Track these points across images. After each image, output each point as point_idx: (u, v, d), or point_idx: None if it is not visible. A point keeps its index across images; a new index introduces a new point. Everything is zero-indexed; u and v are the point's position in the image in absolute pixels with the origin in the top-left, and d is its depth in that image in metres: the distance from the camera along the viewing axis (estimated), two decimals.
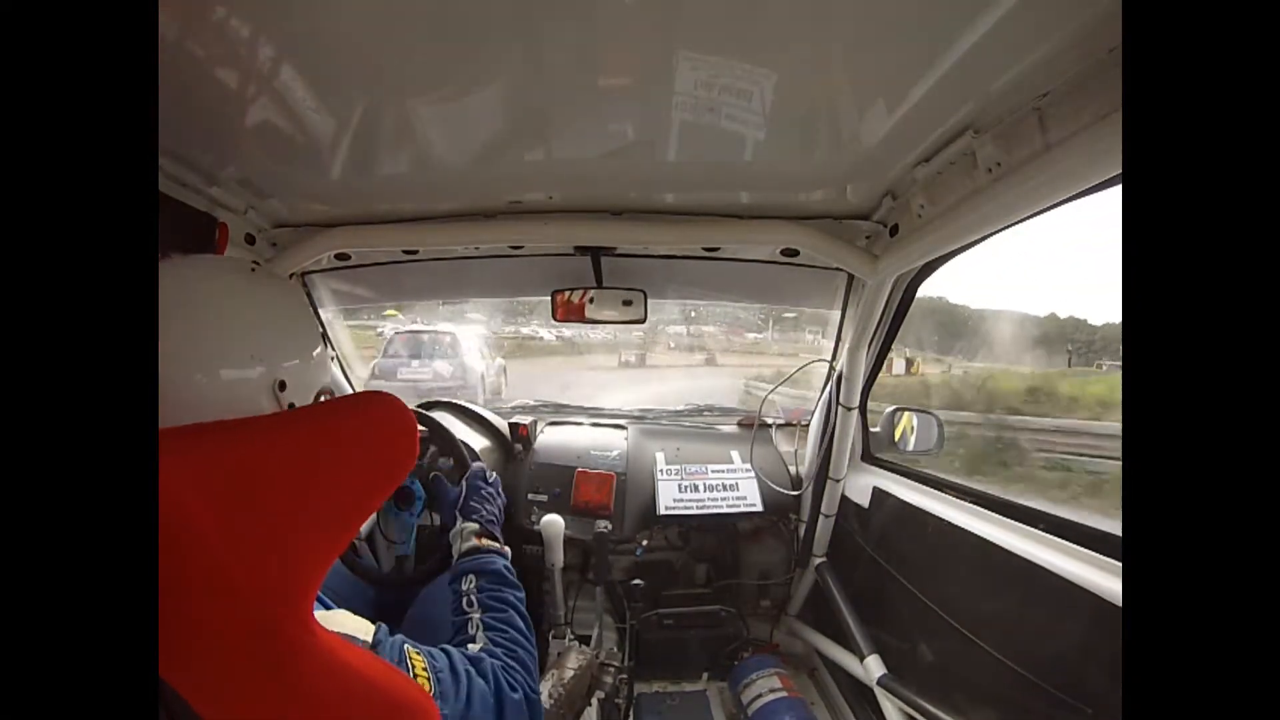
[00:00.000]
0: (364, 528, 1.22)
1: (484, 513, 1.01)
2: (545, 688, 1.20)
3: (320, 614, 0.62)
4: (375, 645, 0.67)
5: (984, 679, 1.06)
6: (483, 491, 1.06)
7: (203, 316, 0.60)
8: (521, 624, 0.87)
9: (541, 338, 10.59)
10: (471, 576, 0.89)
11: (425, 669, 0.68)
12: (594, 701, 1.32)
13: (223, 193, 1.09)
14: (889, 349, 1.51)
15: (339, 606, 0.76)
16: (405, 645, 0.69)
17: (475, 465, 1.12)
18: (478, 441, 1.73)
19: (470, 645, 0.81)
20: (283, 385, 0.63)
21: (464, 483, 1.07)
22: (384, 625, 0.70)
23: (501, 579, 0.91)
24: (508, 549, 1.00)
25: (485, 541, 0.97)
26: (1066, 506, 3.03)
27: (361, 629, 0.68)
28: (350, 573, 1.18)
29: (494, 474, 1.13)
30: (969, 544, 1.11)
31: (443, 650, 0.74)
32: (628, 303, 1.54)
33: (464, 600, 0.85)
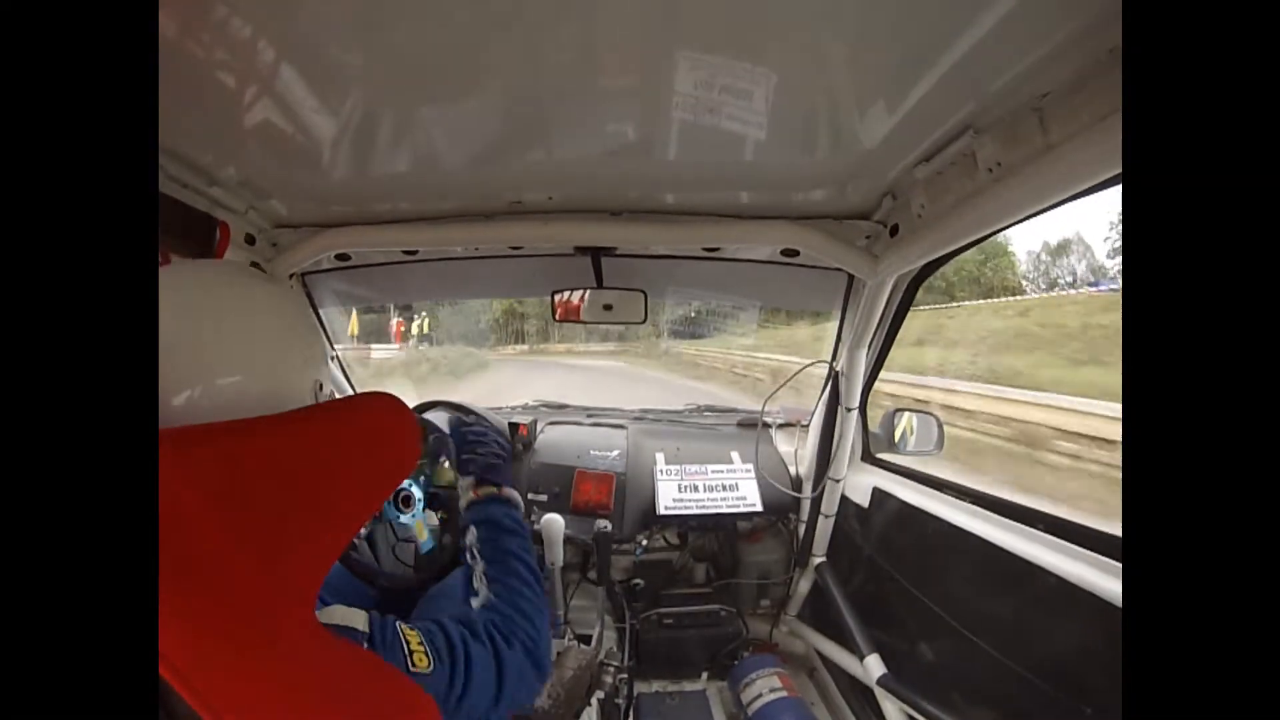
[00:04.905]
0: (364, 528, 1.23)
1: (477, 461, 0.99)
2: (544, 688, 1.20)
3: (316, 611, 0.62)
4: (370, 635, 0.66)
5: (984, 679, 1.06)
6: (470, 438, 1.02)
7: (208, 323, 0.60)
8: (522, 569, 0.85)
9: None
10: (472, 529, 0.88)
11: (421, 644, 0.67)
12: (594, 701, 1.32)
13: (223, 193, 1.09)
14: (889, 349, 1.51)
15: (336, 602, 0.76)
16: (398, 624, 0.69)
17: (452, 417, 1.07)
18: None
19: (474, 599, 0.82)
20: (322, 385, 0.64)
21: (449, 439, 1.03)
22: (375, 612, 0.70)
23: (498, 527, 0.89)
24: (510, 491, 0.97)
25: (481, 492, 0.96)
26: None
27: (356, 619, 0.68)
28: (348, 571, 1.18)
29: (473, 414, 1.08)
30: (969, 544, 1.12)
31: (437, 624, 0.73)
32: (628, 304, 1.54)
33: (468, 554, 0.86)
